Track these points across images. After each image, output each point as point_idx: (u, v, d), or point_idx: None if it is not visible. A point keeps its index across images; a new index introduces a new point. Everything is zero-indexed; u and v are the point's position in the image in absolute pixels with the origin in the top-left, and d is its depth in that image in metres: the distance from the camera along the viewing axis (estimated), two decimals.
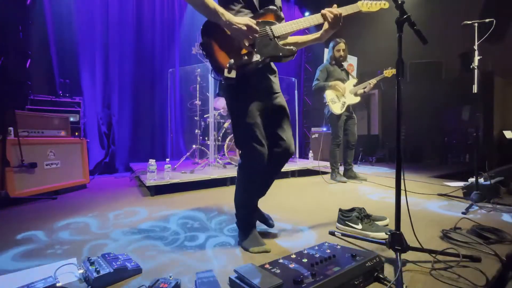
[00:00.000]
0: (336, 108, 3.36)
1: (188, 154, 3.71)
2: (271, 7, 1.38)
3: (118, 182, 3.38)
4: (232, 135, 3.08)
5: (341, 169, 3.60)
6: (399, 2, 1.22)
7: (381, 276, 1.08)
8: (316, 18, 1.38)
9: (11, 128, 2.34)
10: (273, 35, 1.34)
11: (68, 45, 3.71)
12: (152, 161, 2.74)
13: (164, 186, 2.71)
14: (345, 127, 3.46)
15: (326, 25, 1.41)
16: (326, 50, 6.07)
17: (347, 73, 3.54)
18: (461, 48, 4.38)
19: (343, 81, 3.41)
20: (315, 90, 3.49)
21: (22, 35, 3.25)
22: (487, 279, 1.08)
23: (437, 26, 4.55)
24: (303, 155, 6.00)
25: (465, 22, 2.35)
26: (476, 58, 2.30)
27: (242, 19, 1.27)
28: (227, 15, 1.26)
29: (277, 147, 1.48)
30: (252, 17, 1.34)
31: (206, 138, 3.80)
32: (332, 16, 1.36)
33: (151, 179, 2.66)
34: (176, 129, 4.68)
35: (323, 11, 1.37)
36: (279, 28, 1.35)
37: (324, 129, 5.43)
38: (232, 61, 1.28)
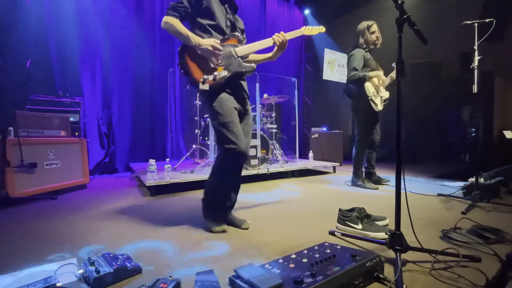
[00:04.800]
0: (378, 104, 2.89)
1: (188, 154, 3.71)
2: (235, 33, 1.71)
3: (118, 182, 3.38)
4: None
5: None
6: (399, 2, 1.22)
7: (381, 276, 1.08)
8: (268, 42, 1.68)
9: (11, 128, 2.34)
10: (237, 55, 1.65)
11: (68, 45, 3.70)
12: (152, 161, 2.74)
13: (164, 186, 2.71)
14: None
15: (276, 48, 1.73)
16: (326, 50, 6.06)
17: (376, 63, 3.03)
18: (461, 48, 4.37)
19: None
20: (353, 81, 2.88)
21: (22, 35, 3.25)
22: (487, 279, 1.08)
23: (437, 26, 4.54)
24: (303, 155, 5.99)
25: (465, 22, 2.35)
26: (476, 58, 2.30)
27: (208, 41, 1.58)
28: (196, 38, 1.57)
29: None
30: (220, 40, 1.63)
31: (206, 138, 3.80)
32: (280, 41, 1.67)
33: (151, 179, 2.66)
34: (176, 129, 4.68)
35: (274, 38, 1.67)
36: (241, 50, 1.66)
37: (324, 129, 5.43)
38: (205, 76, 1.58)
